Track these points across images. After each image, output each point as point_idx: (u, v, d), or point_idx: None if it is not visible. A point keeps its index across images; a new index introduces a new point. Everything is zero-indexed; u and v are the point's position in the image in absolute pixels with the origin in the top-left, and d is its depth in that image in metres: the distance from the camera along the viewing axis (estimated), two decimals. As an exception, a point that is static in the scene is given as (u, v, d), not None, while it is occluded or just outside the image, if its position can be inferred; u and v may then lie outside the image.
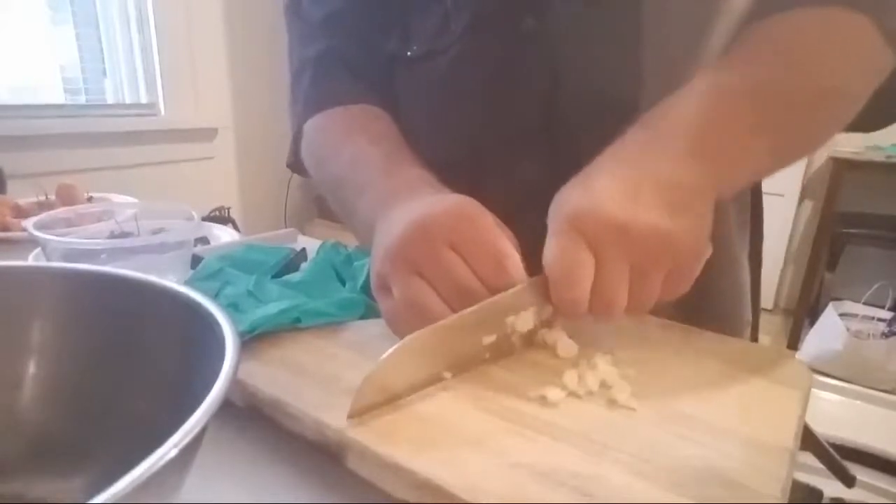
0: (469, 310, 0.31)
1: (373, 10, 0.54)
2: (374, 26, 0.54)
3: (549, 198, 0.35)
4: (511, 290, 0.33)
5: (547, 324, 0.36)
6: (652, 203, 0.32)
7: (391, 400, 0.29)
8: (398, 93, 0.55)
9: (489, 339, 0.33)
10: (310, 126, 0.55)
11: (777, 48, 0.38)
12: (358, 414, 0.27)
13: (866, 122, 0.42)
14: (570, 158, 0.36)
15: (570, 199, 0.33)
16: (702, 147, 0.35)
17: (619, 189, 0.32)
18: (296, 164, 0.60)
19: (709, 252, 0.34)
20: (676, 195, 0.33)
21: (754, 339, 0.60)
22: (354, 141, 0.50)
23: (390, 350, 0.29)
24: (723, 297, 0.54)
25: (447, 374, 0.32)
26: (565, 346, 0.35)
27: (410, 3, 0.52)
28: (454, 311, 0.32)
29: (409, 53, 0.53)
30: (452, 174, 0.43)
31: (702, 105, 0.36)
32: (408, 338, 0.29)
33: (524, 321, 0.34)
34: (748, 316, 0.58)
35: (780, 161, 0.40)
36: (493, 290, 0.33)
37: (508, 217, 0.37)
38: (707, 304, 0.48)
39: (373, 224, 0.39)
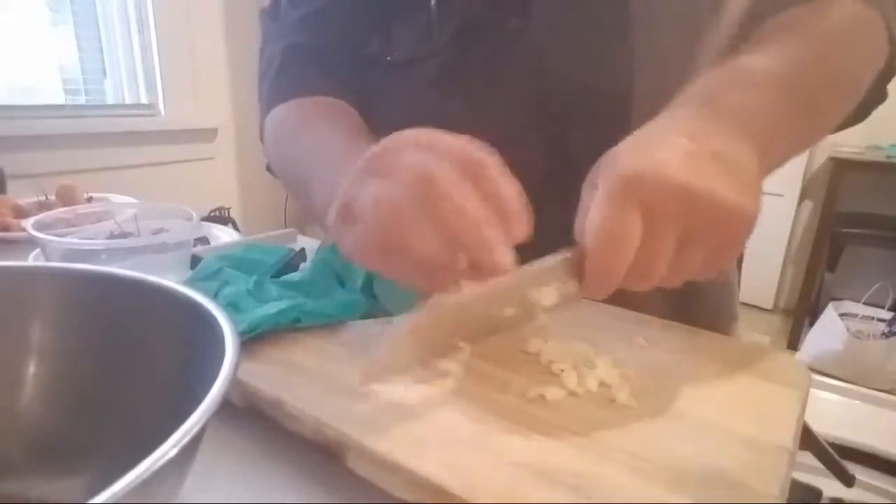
0: (492, 283, 0.28)
1: (354, 12, 0.54)
2: (354, 28, 0.54)
3: (537, 194, 0.34)
4: (537, 266, 0.30)
5: (570, 299, 0.33)
6: (718, 173, 0.29)
7: (404, 368, 0.27)
8: (376, 95, 0.54)
9: (510, 312, 0.31)
10: (273, 115, 0.54)
11: (809, 35, 0.40)
12: (371, 380, 0.26)
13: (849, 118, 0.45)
14: (558, 155, 0.36)
15: (627, 161, 0.28)
16: (751, 128, 0.33)
17: (683, 156, 0.29)
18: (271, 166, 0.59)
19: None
20: (739, 170, 0.30)
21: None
22: (320, 124, 0.49)
23: (410, 322, 0.26)
24: (715, 293, 0.55)
25: (463, 345, 0.30)
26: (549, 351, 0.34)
27: (393, 9, 0.52)
28: (435, 239, 0.27)
29: (388, 59, 0.53)
30: None
31: (745, 86, 0.35)
32: (426, 311, 0.26)
33: (548, 296, 0.31)
34: (736, 311, 0.59)
35: (799, 148, 0.40)
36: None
37: None
38: (700, 301, 0.48)
39: (332, 195, 0.37)
